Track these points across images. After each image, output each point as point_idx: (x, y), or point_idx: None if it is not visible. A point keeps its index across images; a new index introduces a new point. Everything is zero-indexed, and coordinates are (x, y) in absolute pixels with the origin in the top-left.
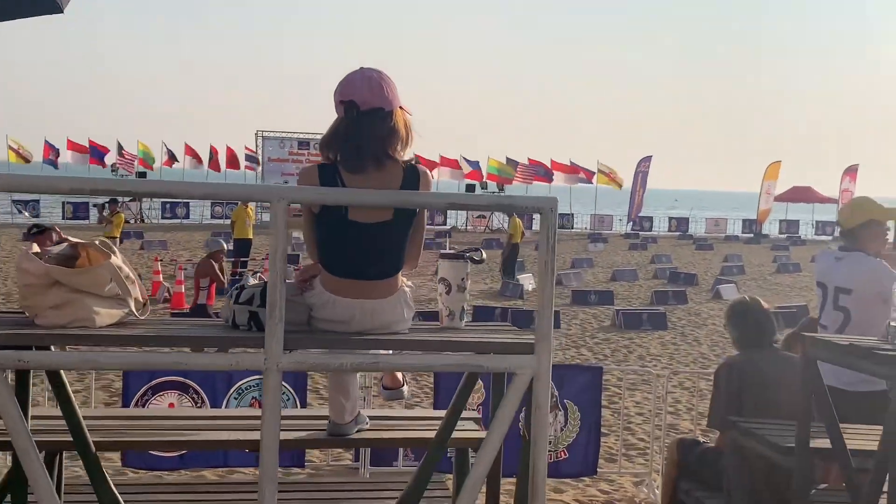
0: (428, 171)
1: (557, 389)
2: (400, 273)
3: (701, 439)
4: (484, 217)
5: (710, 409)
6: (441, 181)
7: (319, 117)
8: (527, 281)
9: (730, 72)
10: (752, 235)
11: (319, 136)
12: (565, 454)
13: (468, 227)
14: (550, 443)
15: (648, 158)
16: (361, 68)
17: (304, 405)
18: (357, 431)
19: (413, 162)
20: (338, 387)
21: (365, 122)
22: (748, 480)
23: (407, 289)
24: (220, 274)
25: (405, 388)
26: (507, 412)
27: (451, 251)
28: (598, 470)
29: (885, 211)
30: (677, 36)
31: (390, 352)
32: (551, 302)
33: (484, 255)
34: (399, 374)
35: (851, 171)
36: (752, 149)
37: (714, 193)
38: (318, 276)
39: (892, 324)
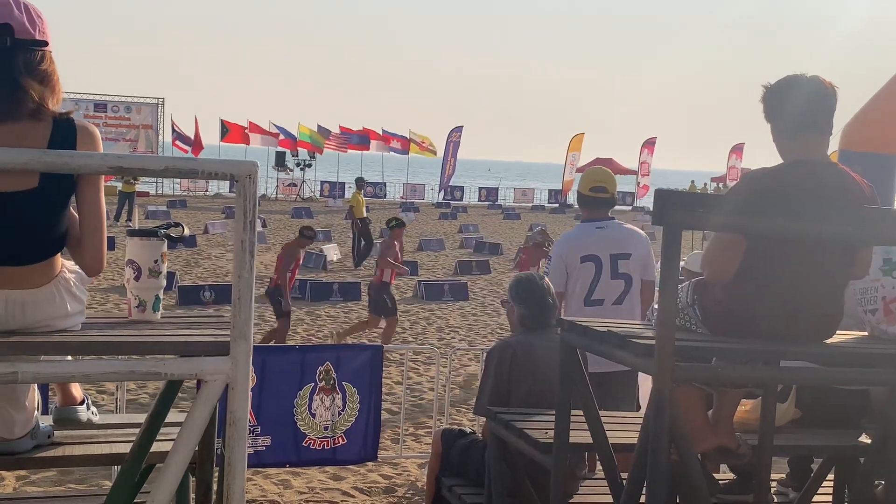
0: (92, 128)
1: (335, 371)
2: (59, 256)
3: (468, 429)
4: (295, 185)
5: (478, 395)
6: (251, 148)
7: (119, 76)
8: (331, 251)
9: (538, 45)
10: (557, 205)
11: (120, 98)
12: (343, 440)
13: (278, 196)
14: (327, 428)
15: (460, 128)
16: None
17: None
18: (35, 448)
19: (68, 115)
20: (4, 395)
21: (17, 54)
22: (510, 476)
23: (70, 275)
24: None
25: (83, 406)
26: (194, 430)
27: (142, 227)
28: (379, 454)
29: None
30: (487, 9)
31: (70, 358)
32: (251, 289)
33: (186, 231)
34: (75, 388)
35: (649, 144)
36: (559, 121)
37: (524, 164)
38: None
39: (656, 306)
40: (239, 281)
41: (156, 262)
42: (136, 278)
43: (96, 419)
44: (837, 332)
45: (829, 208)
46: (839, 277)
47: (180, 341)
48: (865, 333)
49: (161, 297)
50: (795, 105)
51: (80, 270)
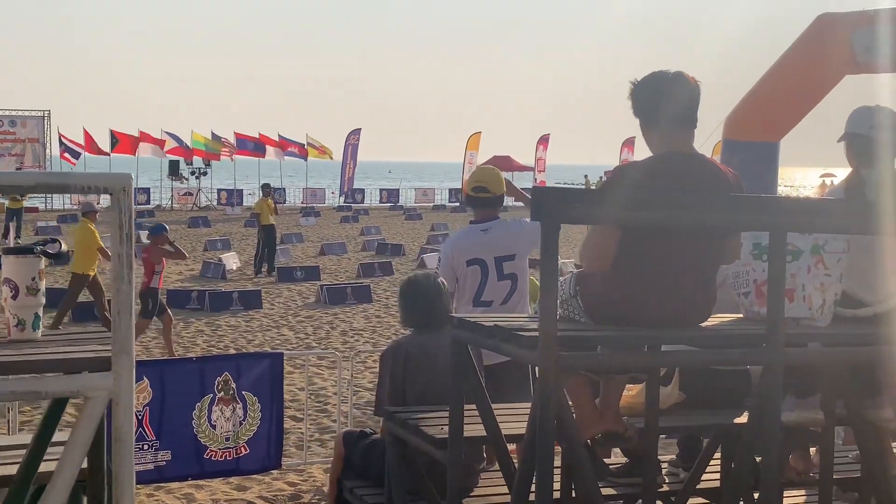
0: None
1: (235, 381)
2: None
3: (369, 430)
4: (191, 194)
5: (376, 397)
6: (143, 158)
7: (2, 89)
8: (230, 260)
9: (433, 43)
10: (458, 204)
11: (4, 112)
12: (246, 449)
13: (174, 206)
14: (229, 438)
15: (358, 131)
16: None
17: None
18: None
19: None
20: None
21: None
22: (409, 474)
23: None
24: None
25: None
26: (78, 448)
27: (18, 244)
28: (284, 461)
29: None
30: (381, 11)
31: None
32: (130, 303)
33: (63, 247)
34: None
35: (544, 141)
36: (456, 120)
37: (423, 164)
38: None
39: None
40: (118, 295)
41: (33, 279)
42: (14, 297)
43: None
44: (713, 315)
45: (698, 197)
46: (709, 263)
47: (60, 359)
48: (740, 315)
49: (41, 314)
50: (662, 101)
51: None
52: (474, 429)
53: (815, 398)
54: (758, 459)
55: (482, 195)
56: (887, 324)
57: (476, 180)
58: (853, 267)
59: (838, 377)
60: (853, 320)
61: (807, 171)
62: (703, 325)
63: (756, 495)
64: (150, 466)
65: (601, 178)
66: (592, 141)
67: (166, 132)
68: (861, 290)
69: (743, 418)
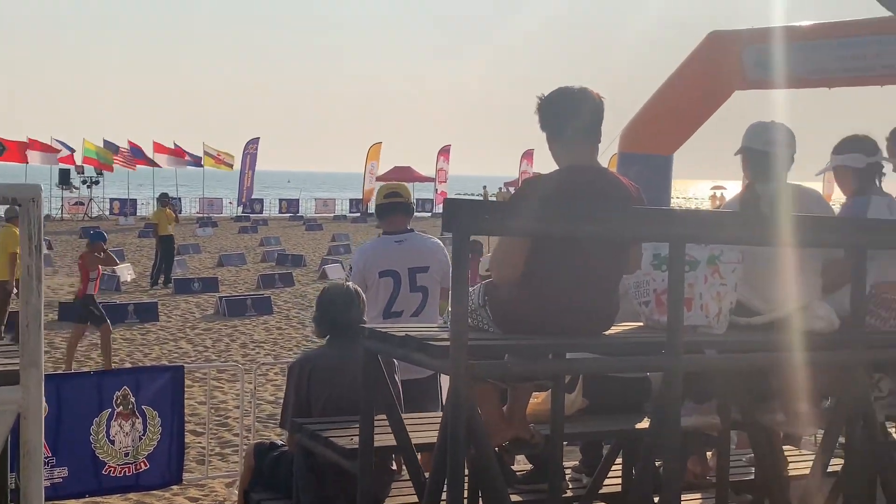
0: None
1: (134, 395)
2: None
3: (279, 442)
4: (82, 204)
5: (282, 409)
6: (32, 166)
7: None
8: (125, 271)
9: (332, 52)
10: (358, 214)
11: None
12: (146, 464)
13: (64, 216)
14: (128, 454)
15: (256, 140)
16: None
17: None
18: None
19: None
20: None
21: None
22: (318, 485)
23: None
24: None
25: None
26: None
27: None
28: (185, 476)
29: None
30: (278, 18)
31: None
32: (39, 315)
33: None
34: None
35: (445, 152)
36: (356, 130)
37: (323, 174)
38: None
39: (450, 308)
40: (27, 307)
41: None
42: None
43: None
44: (616, 324)
45: (601, 210)
46: (613, 273)
47: None
48: (641, 324)
49: None
50: (567, 116)
51: None
52: (384, 439)
53: (711, 403)
54: (658, 464)
55: (395, 199)
56: (779, 331)
57: (388, 189)
58: (747, 277)
59: (733, 383)
60: (747, 328)
61: (698, 184)
62: (606, 333)
63: (657, 499)
64: (46, 484)
65: (500, 188)
66: (492, 152)
67: (56, 139)
68: (755, 300)
69: (644, 423)
